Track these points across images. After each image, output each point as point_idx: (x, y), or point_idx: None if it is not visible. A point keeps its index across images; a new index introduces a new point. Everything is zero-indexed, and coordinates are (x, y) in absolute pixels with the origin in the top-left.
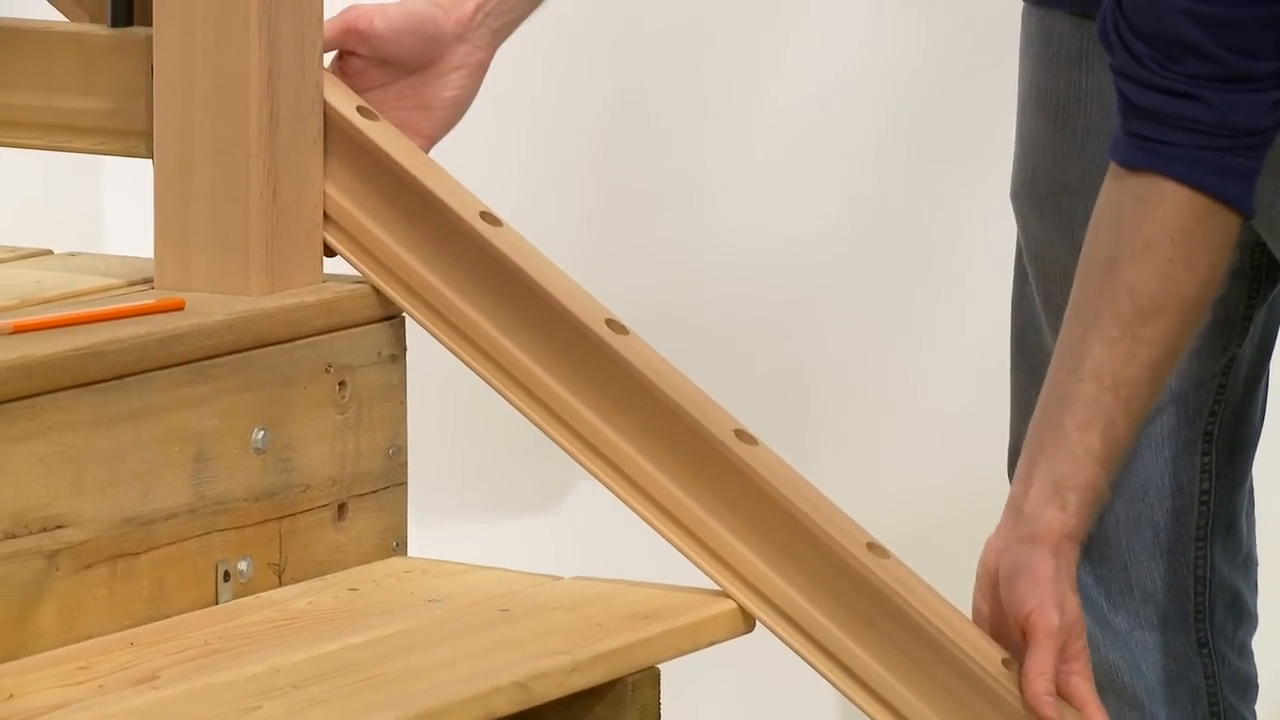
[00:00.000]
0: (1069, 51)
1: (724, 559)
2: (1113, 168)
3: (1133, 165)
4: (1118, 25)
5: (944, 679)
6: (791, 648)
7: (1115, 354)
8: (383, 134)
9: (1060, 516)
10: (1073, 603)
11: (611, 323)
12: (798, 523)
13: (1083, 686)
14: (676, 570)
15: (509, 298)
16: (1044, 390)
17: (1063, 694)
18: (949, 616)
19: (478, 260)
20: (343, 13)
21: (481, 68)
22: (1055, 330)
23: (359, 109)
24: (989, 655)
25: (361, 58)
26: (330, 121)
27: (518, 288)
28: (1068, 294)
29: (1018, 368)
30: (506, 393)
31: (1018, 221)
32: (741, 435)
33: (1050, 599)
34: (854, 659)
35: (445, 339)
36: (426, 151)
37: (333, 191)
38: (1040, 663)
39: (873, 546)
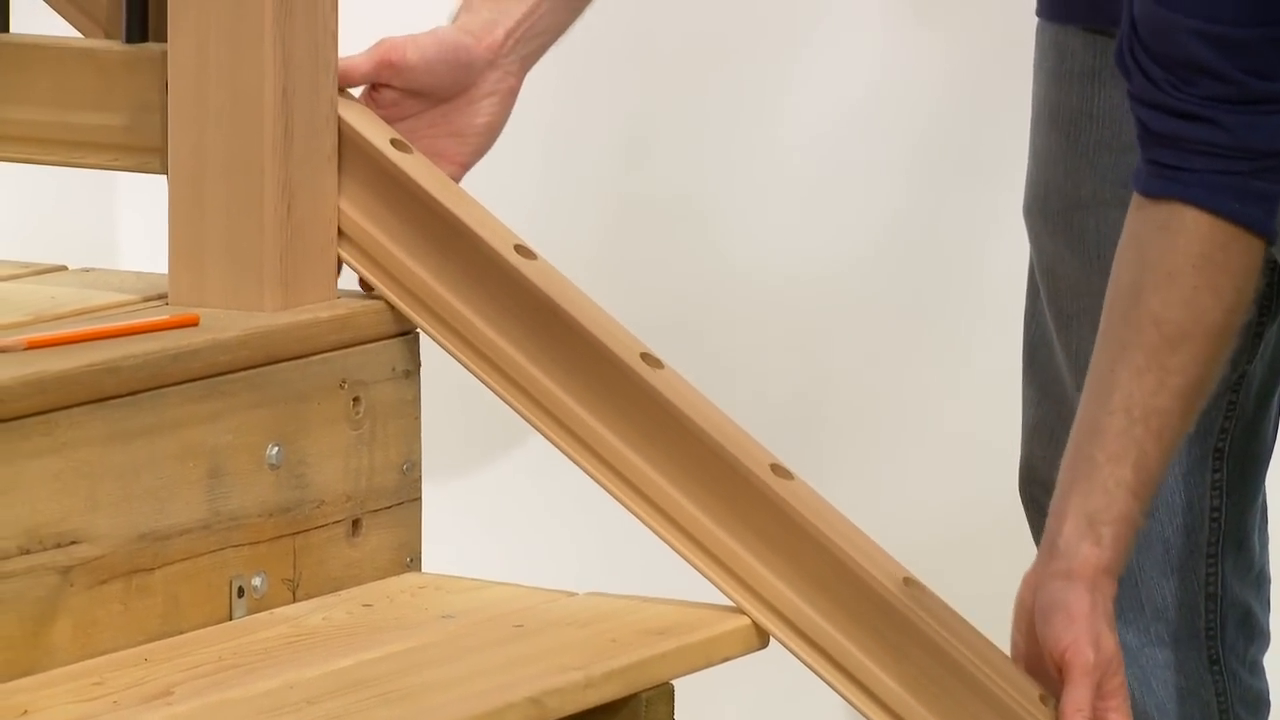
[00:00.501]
0: (1081, 67)
1: (742, 578)
2: (1135, 197)
3: (1154, 194)
4: (1133, 50)
5: (975, 710)
6: (808, 665)
7: (1144, 384)
8: (416, 167)
9: (1095, 551)
10: (1109, 639)
11: (646, 356)
12: (834, 557)
13: None
14: (691, 586)
15: (543, 331)
16: (1075, 423)
17: None
18: (987, 653)
19: (511, 293)
20: (376, 46)
21: (512, 93)
22: (1066, 346)
23: (393, 141)
24: (1027, 691)
25: (395, 89)
26: (364, 154)
27: (552, 321)
28: (1078, 309)
29: (1029, 384)
30: (540, 425)
31: (1030, 237)
32: (777, 470)
33: (1085, 636)
34: (881, 686)
35: (480, 371)
36: (459, 179)
37: (368, 225)
38: (1076, 700)
39: (909, 581)
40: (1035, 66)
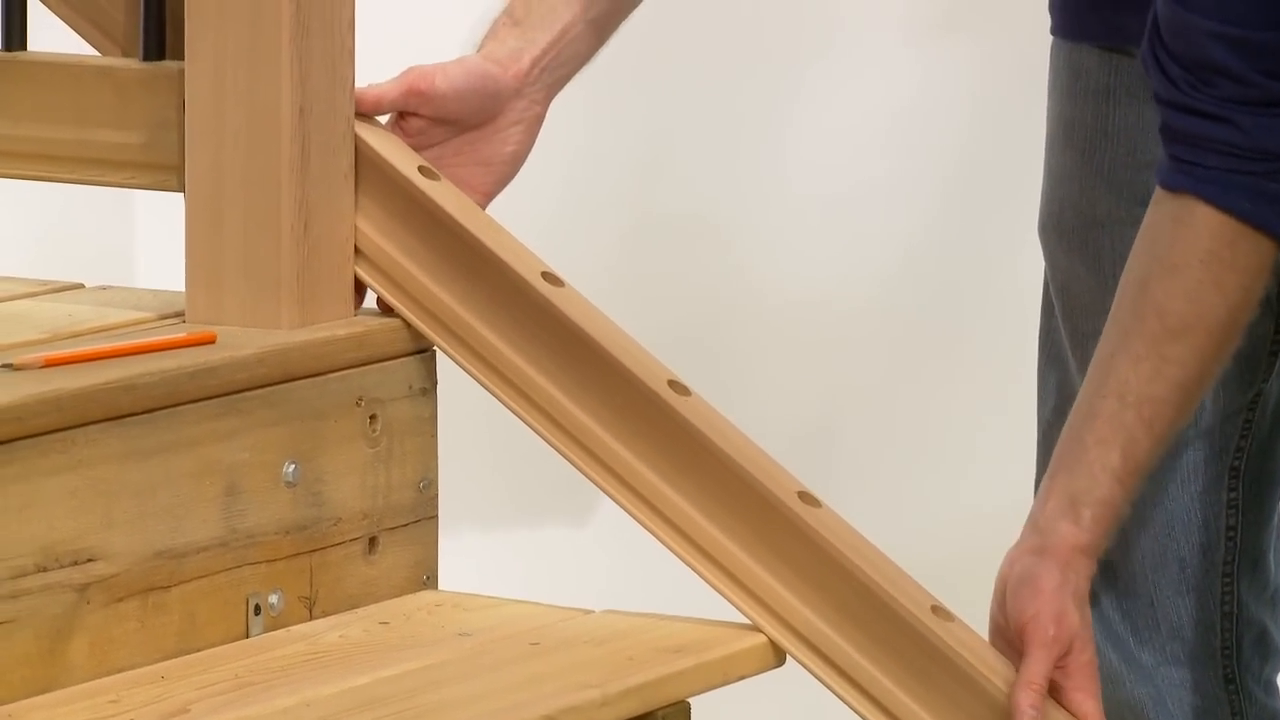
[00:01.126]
0: (1097, 86)
1: (759, 596)
2: (1156, 191)
3: (1171, 187)
4: (1155, 50)
5: None
6: (827, 685)
7: (1140, 371)
8: (445, 195)
9: (1073, 530)
10: (1072, 616)
11: (674, 384)
12: (862, 585)
13: (1088, 704)
14: (707, 604)
15: (571, 358)
16: (1073, 408)
17: (1070, 712)
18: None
19: (539, 320)
20: (404, 74)
21: (538, 121)
22: (1081, 364)
23: (420, 169)
24: None
25: (422, 117)
26: (392, 182)
27: (579, 349)
28: (1093, 327)
29: (1044, 402)
30: (568, 453)
31: (1045, 255)
32: (805, 497)
33: (1048, 610)
34: (906, 710)
35: (508, 398)
36: (485, 206)
37: (393, 250)
38: (1030, 673)
39: (937, 610)
40: (1050, 86)
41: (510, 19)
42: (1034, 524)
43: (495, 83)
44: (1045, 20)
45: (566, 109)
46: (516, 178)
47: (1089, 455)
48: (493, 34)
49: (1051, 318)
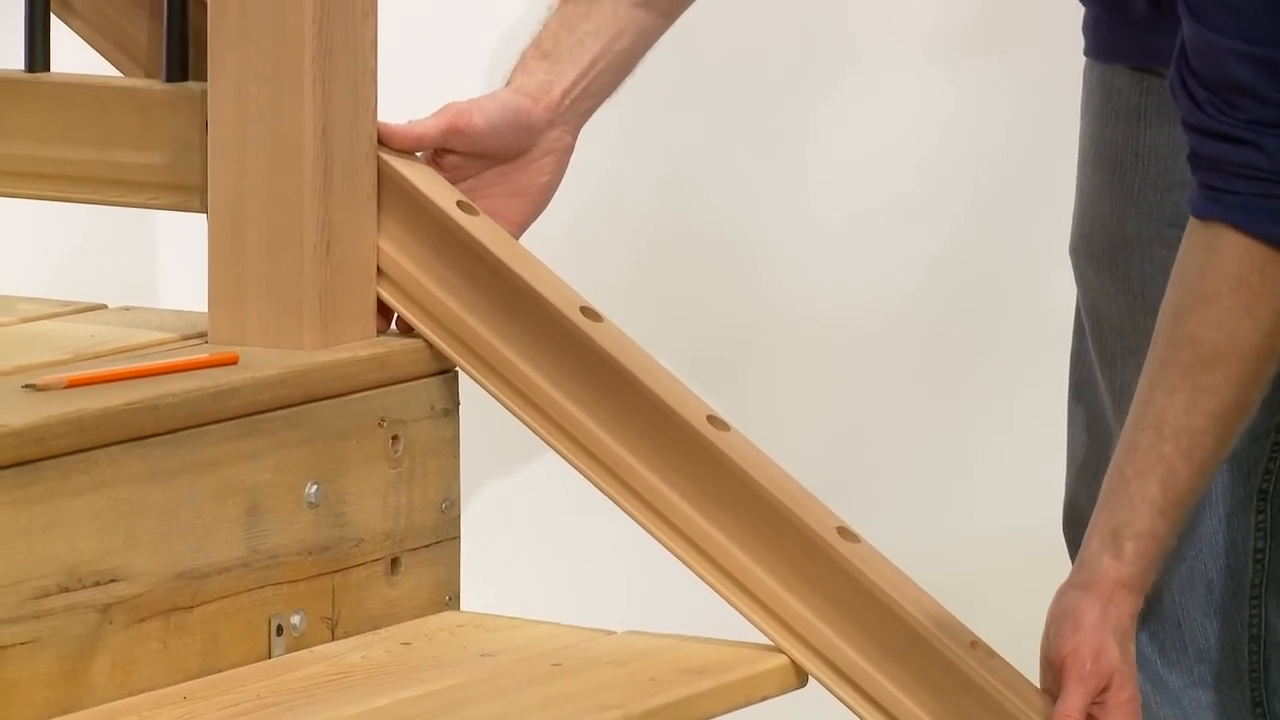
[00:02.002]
0: (1128, 106)
1: (782, 617)
2: (1189, 220)
3: (1201, 215)
4: (1182, 73)
5: None
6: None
7: (1175, 403)
8: (484, 230)
9: (1115, 565)
10: (1113, 651)
11: (713, 419)
12: (900, 620)
13: None
14: (729, 625)
15: (609, 393)
16: (1117, 443)
17: None
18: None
19: (577, 355)
20: (442, 112)
21: (568, 151)
22: (1110, 385)
23: (459, 204)
24: None
25: (459, 154)
26: (427, 214)
27: (618, 384)
28: (1123, 348)
29: (1074, 423)
30: (606, 488)
31: (1075, 276)
32: (844, 533)
33: (1087, 644)
34: None
35: (545, 432)
36: (519, 237)
37: (422, 276)
38: (1064, 707)
39: (976, 645)
40: (1082, 106)
41: (539, 51)
42: (1080, 559)
43: (528, 116)
44: (1077, 40)
45: (588, 128)
46: None
47: (1129, 489)
48: (522, 67)
49: (1082, 339)
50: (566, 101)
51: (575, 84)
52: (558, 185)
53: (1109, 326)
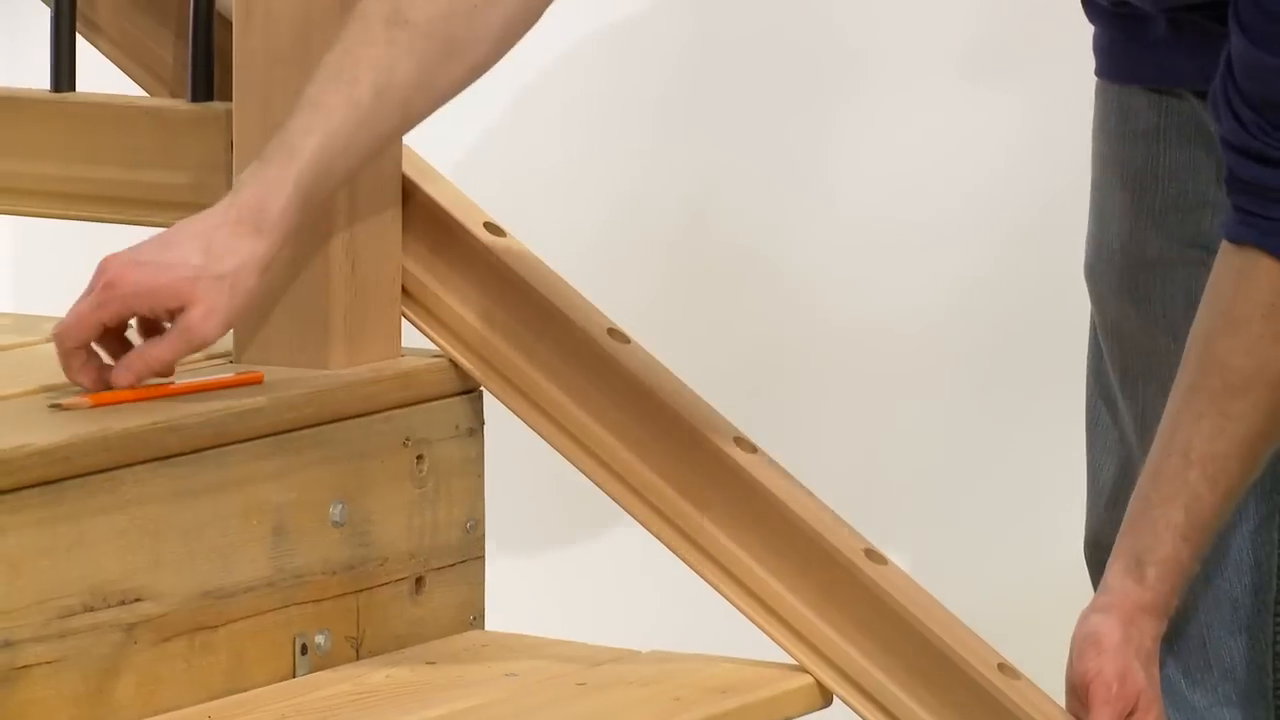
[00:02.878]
0: (1146, 127)
1: (807, 638)
2: (1222, 243)
3: (1235, 239)
4: (1227, 91)
5: None
6: None
7: (1201, 429)
8: (510, 252)
9: (1136, 589)
10: (1138, 674)
11: (740, 441)
12: (927, 642)
13: None
14: (754, 645)
15: (636, 414)
16: (1143, 468)
17: None
18: None
19: (605, 377)
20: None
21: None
22: (1131, 407)
23: (485, 224)
24: None
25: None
26: (452, 234)
27: (646, 404)
28: (1144, 369)
29: (1093, 445)
30: (631, 509)
31: (1092, 297)
32: (871, 554)
33: (1111, 666)
34: None
35: (569, 453)
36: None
37: (448, 296)
38: None
39: (1004, 667)
40: (1096, 127)
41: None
42: (1103, 583)
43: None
44: (1089, 62)
45: (613, 147)
46: (566, 218)
47: (1153, 513)
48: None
49: (1100, 360)
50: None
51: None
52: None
53: (1130, 348)
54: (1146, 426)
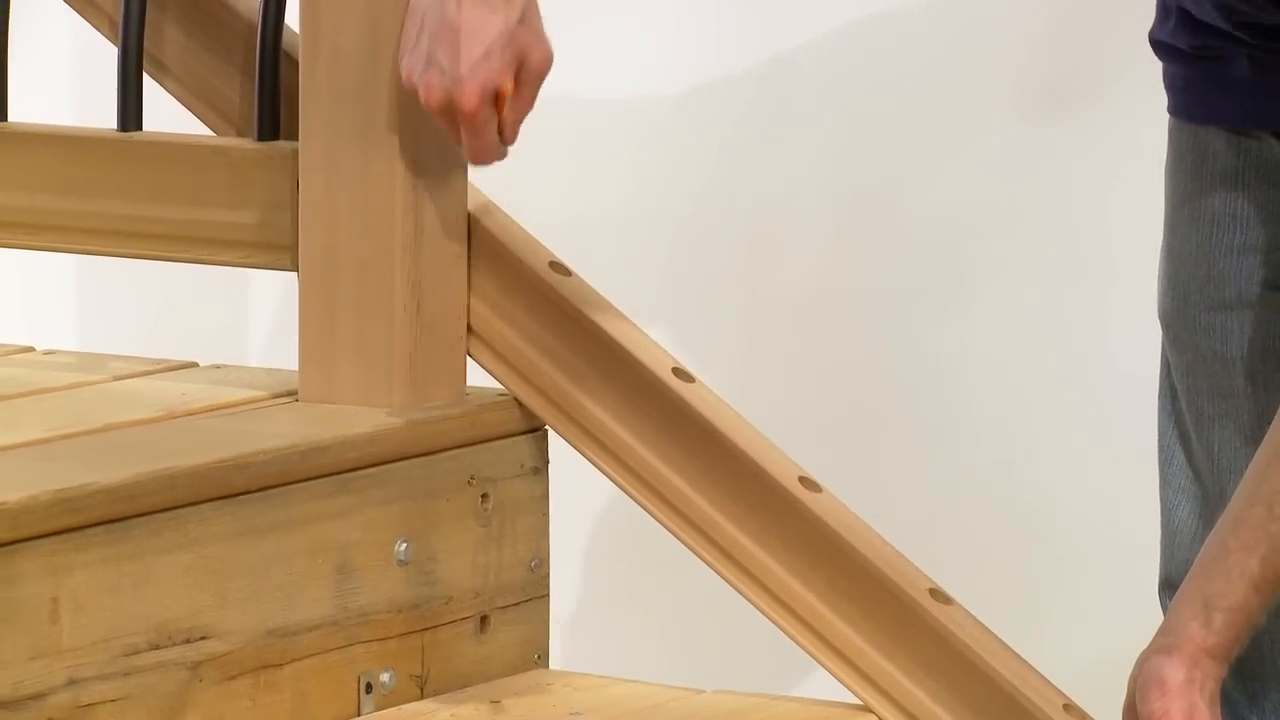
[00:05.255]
0: (1224, 168)
1: (873, 679)
2: None
3: None
4: None
5: None
6: None
7: None
8: (576, 291)
9: (1202, 633)
10: (1203, 713)
11: (805, 480)
12: (993, 682)
13: None
14: (819, 684)
15: (701, 454)
16: (1221, 516)
17: None
18: None
19: (669, 416)
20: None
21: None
22: (1206, 449)
23: (551, 264)
24: None
25: None
26: (518, 273)
27: (710, 444)
28: (1220, 411)
29: (1166, 485)
30: (697, 548)
31: (1167, 339)
32: (936, 594)
33: (1178, 707)
34: None
35: (634, 492)
36: None
37: (514, 335)
38: None
39: (1069, 708)
40: (1171, 167)
41: None
42: (1166, 624)
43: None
44: (1159, 98)
45: (677, 186)
46: (631, 257)
47: (1229, 560)
48: None
49: (1175, 401)
50: None
51: None
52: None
53: (1205, 389)
54: (1223, 468)
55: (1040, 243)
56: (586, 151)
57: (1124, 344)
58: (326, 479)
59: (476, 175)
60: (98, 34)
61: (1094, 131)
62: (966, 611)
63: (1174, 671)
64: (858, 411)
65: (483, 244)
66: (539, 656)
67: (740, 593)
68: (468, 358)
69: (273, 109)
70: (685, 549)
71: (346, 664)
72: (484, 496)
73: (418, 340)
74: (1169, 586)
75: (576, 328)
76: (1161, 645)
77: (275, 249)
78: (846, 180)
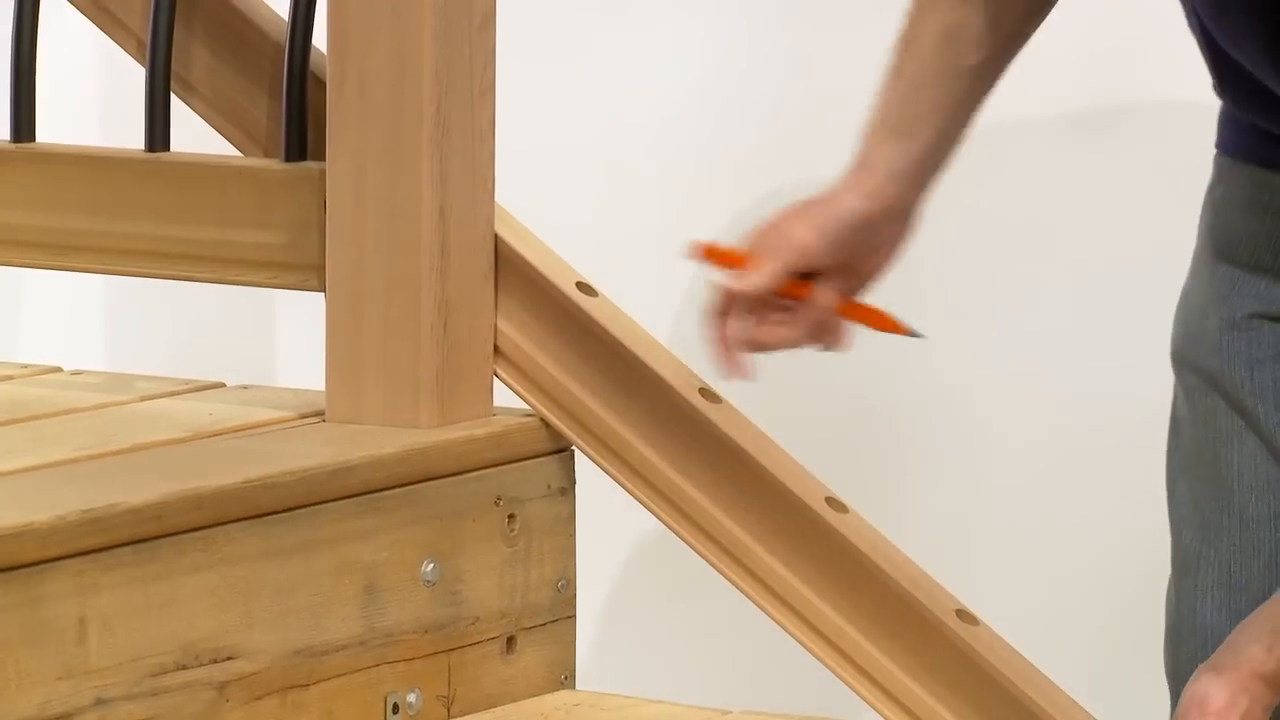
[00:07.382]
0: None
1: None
2: None
3: None
4: None
5: None
6: None
7: None
8: (603, 312)
9: (1262, 657)
10: None
11: (832, 501)
12: (1020, 704)
13: None
14: (846, 705)
15: (727, 474)
16: None
17: None
18: None
19: (696, 436)
20: (775, 247)
21: (910, 230)
22: (1213, 474)
23: (578, 284)
24: None
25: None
26: (546, 295)
27: (736, 465)
28: (1239, 427)
29: (1173, 509)
30: (723, 568)
31: (1175, 366)
32: (963, 615)
33: None
34: None
35: (660, 512)
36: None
37: (540, 356)
38: None
39: None
40: (1221, 199)
41: (886, 128)
42: (1226, 642)
43: (869, 221)
44: (1201, 131)
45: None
46: (658, 278)
47: None
48: (864, 164)
49: (1177, 437)
50: (905, 193)
51: (912, 175)
52: (897, 260)
53: (1220, 409)
54: (1243, 486)
55: (1066, 263)
56: (614, 172)
57: (1148, 364)
58: (354, 499)
59: (504, 197)
60: (125, 54)
61: (1122, 155)
62: (993, 632)
63: (1219, 692)
64: (881, 431)
65: (509, 264)
66: (565, 677)
67: (766, 613)
68: (494, 378)
69: (300, 130)
70: (711, 569)
71: (373, 684)
72: (511, 517)
73: (445, 360)
74: (1174, 636)
75: (603, 348)
76: (1213, 663)
77: (302, 269)
78: None
